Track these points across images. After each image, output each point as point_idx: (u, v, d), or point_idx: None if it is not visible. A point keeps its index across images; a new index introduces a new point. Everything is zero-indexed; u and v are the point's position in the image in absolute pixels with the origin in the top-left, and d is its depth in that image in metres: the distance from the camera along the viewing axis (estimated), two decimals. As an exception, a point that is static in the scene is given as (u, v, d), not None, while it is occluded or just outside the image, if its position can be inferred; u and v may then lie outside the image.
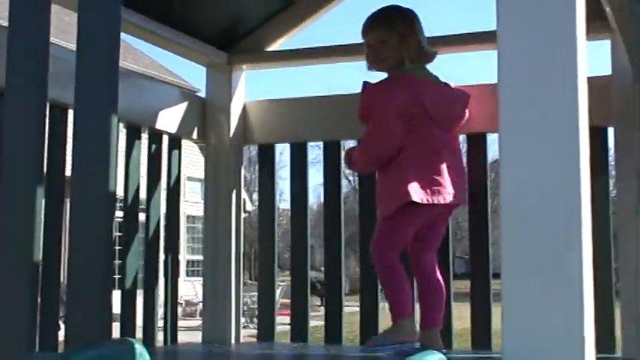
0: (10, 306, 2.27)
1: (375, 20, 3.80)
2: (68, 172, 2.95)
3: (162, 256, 4.27)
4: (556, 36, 1.81)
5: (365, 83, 3.70)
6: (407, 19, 3.77)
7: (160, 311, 4.22)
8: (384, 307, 4.13)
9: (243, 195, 4.55)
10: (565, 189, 1.79)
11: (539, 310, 1.78)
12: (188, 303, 22.26)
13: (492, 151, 4.05)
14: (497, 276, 2.16)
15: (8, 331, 2.27)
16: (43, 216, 2.37)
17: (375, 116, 3.61)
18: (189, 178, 22.35)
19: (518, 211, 1.83)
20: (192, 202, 22.15)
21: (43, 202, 2.41)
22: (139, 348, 1.81)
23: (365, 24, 3.82)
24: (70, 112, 2.75)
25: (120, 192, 3.65)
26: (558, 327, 1.76)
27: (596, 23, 3.17)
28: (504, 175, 1.84)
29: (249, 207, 28.33)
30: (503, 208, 1.84)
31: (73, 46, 2.70)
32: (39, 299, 2.90)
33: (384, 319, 4.17)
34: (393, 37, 3.70)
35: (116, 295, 3.56)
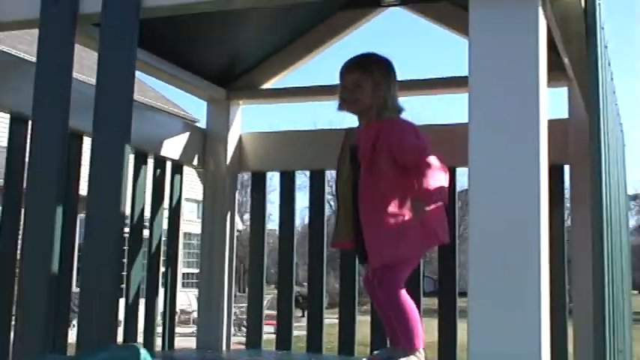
0: (29, 311, 2.27)
1: (354, 64, 3.63)
2: (82, 192, 2.98)
3: (162, 269, 4.26)
4: (520, 84, 1.84)
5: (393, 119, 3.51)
6: (383, 69, 3.62)
7: (158, 319, 4.21)
8: (359, 319, 4.17)
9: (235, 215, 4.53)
10: (527, 217, 1.82)
11: (502, 325, 1.80)
12: (182, 312, 22.10)
13: (460, 182, 4.09)
14: (463, 294, 2.17)
15: (27, 333, 2.27)
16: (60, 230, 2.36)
17: (427, 154, 3.30)
18: (187, 199, 22.28)
19: (485, 236, 1.85)
20: (189, 221, 22.06)
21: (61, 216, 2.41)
22: (144, 352, 1.81)
23: (344, 65, 3.66)
24: (87, 139, 2.77)
25: (127, 211, 3.66)
26: (518, 341, 1.78)
27: (556, 72, 3.20)
28: (473, 204, 1.87)
29: (240, 226, 28.20)
30: (472, 233, 1.86)
31: (85, 78, 2.73)
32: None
33: (361, 330, 4.18)
34: (368, 83, 3.52)
35: (121, 304, 3.58)
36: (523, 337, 1.77)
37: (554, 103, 3.80)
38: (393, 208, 3.35)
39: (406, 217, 3.34)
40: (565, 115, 3.75)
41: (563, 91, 3.76)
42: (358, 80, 3.55)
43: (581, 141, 3.46)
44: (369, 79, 3.53)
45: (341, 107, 3.64)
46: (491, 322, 1.82)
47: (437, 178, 3.21)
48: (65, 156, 2.34)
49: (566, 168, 3.75)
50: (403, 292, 3.37)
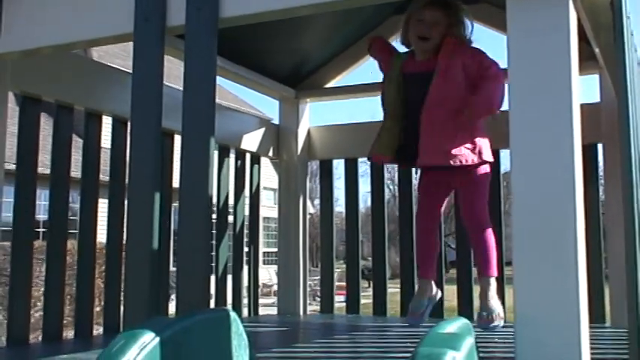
0: (138, 284, 2.33)
1: (436, 1, 3.34)
2: (174, 183, 3.04)
3: (245, 248, 4.32)
4: (554, 74, 1.83)
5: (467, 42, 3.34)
6: (461, 9, 3.36)
7: (244, 291, 4.28)
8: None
9: (307, 200, 4.57)
10: (564, 193, 1.81)
11: (544, 290, 1.80)
12: (264, 285, 22.32)
13: (504, 164, 4.04)
14: (509, 264, 2.14)
15: (134, 304, 2.33)
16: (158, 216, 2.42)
17: (499, 71, 3.13)
18: (264, 188, 22.40)
19: (526, 212, 1.84)
20: (267, 206, 22.19)
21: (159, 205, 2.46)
22: (233, 314, 1.85)
23: (423, 1, 3.35)
24: (177, 138, 2.82)
25: (214, 199, 3.72)
26: (559, 302, 1.77)
27: (588, 62, 3.16)
28: (515, 183, 1.86)
29: (311, 210, 28.31)
30: (515, 209, 1.85)
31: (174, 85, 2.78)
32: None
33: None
34: (444, 24, 3.28)
35: (212, 279, 3.64)
36: (563, 300, 1.76)
37: (587, 89, 3.75)
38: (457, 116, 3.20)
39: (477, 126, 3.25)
40: (597, 99, 3.69)
41: (595, 78, 3.71)
42: (438, 20, 3.30)
43: (612, 122, 3.40)
44: (447, 19, 3.31)
45: (410, 41, 3.42)
46: (534, 288, 1.82)
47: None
48: (160, 152, 2.39)
49: (599, 147, 3.69)
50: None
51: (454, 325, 1.66)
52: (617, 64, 2.05)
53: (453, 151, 3.17)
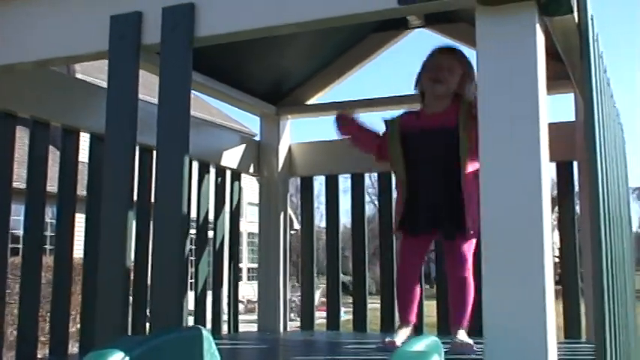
0: (110, 302, 2.32)
1: (451, 49, 3.46)
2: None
3: (226, 264, 4.31)
4: (522, 92, 1.85)
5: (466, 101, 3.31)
6: (470, 64, 3.37)
7: (225, 307, 4.27)
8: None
9: (292, 215, 4.58)
10: (531, 209, 1.82)
11: (512, 304, 1.81)
12: (249, 301, 22.25)
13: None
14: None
15: (107, 320, 2.32)
16: (134, 232, 2.42)
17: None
18: (250, 203, 22.39)
19: (494, 228, 1.86)
20: (252, 222, 22.15)
21: (134, 221, 2.47)
22: (206, 333, 1.85)
23: (441, 48, 3.46)
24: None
25: (194, 214, 3.72)
26: (526, 316, 1.79)
27: (563, 81, 3.18)
28: (484, 199, 1.88)
29: (296, 226, 28.28)
30: (484, 225, 1.87)
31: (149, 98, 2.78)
32: (131, 297, 2.98)
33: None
34: (459, 72, 3.33)
35: (191, 295, 3.64)
36: (530, 314, 1.78)
37: (565, 107, 3.78)
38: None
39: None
40: (573, 117, 3.72)
41: (571, 97, 3.74)
42: (453, 66, 3.35)
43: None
44: (461, 69, 3.34)
45: (423, 85, 3.43)
46: (502, 302, 1.83)
47: None
48: (132, 168, 2.39)
49: (575, 164, 3.72)
50: None
51: (423, 342, 1.67)
52: (585, 86, 2.08)
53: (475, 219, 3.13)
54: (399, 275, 3.56)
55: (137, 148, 2.59)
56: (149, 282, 3.52)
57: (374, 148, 3.60)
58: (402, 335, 3.31)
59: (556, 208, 3.76)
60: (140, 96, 2.45)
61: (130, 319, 2.84)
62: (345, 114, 3.67)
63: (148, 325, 2.99)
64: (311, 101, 4.55)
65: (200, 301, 3.95)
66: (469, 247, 3.30)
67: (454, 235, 3.27)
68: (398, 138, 3.41)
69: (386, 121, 3.53)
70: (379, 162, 3.67)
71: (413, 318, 3.43)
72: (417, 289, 3.48)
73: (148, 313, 3.23)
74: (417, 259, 3.48)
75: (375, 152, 3.61)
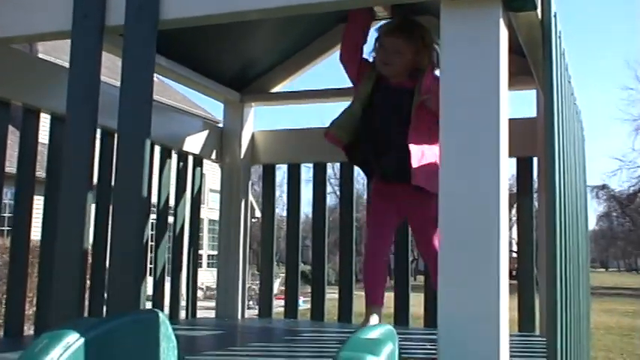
0: (65, 283, 2.30)
1: (399, 28, 3.38)
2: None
3: (185, 250, 4.30)
4: (483, 86, 1.86)
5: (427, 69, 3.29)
6: (425, 33, 3.37)
7: (183, 293, 4.25)
8: (356, 294, 4.19)
9: (254, 203, 4.57)
10: (489, 203, 1.84)
11: (466, 297, 1.83)
12: (208, 288, 22.22)
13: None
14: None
15: (63, 302, 2.30)
16: (93, 215, 2.40)
17: None
18: (212, 190, 22.31)
19: (452, 221, 1.88)
20: (214, 209, 22.08)
21: (93, 204, 2.44)
22: (162, 316, 1.84)
23: (387, 25, 3.42)
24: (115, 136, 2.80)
25: (154, 199, 3.70)
26: (480, 309, 1.81)
27: (526, 76, 3.21)
28: (442, 192, 1.89)
29: (258, 214, 28.24)
30: (441, 218, 1.89)
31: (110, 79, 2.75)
32: (89, 281, 2.96)
33: (358, 304, 4.20)
34: (409, 51, 3.31)
35: (149, 281, 3.62)
36: (484, 307, 1.80)
37: (526, 103, 3.81)
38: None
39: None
40: (534, 114, 3.76)
41: (533, 93, 3.78)
42: (401, 48, 3.34)
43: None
44: (412, 47, 3.33)
45: (381, 68, 3.40)
46: (457, 294, 1.85)
47: None
48: (93, 150, 2.36)
49: (535, 160, 3.76)
50: None
51: (377, 331, 1.68)
52: (545, 82, 2.10)
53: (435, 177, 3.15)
54: (366, 247, 3.47)
55: (98, 131, 2.58)
56: (107, 265, 3.51)
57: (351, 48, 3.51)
58: (374, 321, 3.25)
59: (515, 204, 3.81)
60: (104, 78, 2.43)
61: (86, 303, 2.81)
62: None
63: (105, 308, 2.96)
64: (276, 89, 4.53)
65: (158, 287, 3.93)
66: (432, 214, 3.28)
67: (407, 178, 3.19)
68: (373, 81, 3.40)
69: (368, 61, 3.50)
70: (345, 59, 3.52)
71: (382, 300, 3.37)
72: (383, 266, 3.41)
73: (105, 297, 3.21)
74: (384, 225, 3.43)
75: (349, 52, 3.52)
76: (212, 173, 14.32)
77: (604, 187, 48.63)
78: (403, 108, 3.29)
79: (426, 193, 3.12)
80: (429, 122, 3.12)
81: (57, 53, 15.38)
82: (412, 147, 3.17)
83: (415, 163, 3.15)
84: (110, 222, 2.39)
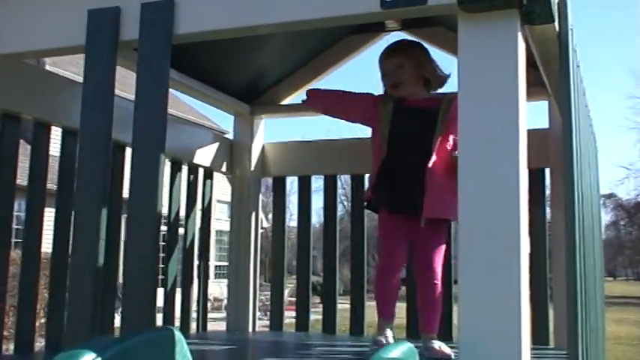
0: (81, 299, 2.29)
1: (391, 50, 3.42)
2: (125, 195, 3.00)
3: (196, 262, 4.28)
4: (502, 98, 1.85)
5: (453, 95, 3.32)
6: (422, 48, 3.43)
7: (194, 305, 4.23)
8: (368, 305, 4.16)
9: (261, 215, 4.55)
10: (509, 215, 1.82)
11: (488, 310, 1.81)
12: (216, 299, 22.22)
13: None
14: (457, 282, 2.17)
15: (80, 318, 2.29)
16: (105, 228, 2.38)
17: None
18: (219, 201, 22.31)
19: (472, 234, 1.86)
20: (220, 220, 22.08)
21: (106, 217, 2.43)
22: (178, 334, 1.82)
23: (383, 52, 3.44)
24: (128, 150, 2.79)
25: (165, 211, 3.68)
26: (502, 323, 1.79)
27: (538, 88, 3.20)
28: (462, 204, 1.87)
29: (265, 224, 28.26)
30: (461, 230, 1.87)
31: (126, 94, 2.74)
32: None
33: (369, 314, 4.17)
34: (410, 64, 3.34)
35: (160, 292, 3.60)
36: (506, 321, 1.78)
37: (537, 114, 3.80)
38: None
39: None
40: (546, 125, 3.75)
41: (544, 104, 3.76)
42: (401, 63, 3.36)
43: (559, 148, 3.45)
44: (411, 59, 3.35)
45: (394, 91, 3.40)
46: (478, 308, 1.83)
47: None
48: (108, 164, 2.36)
49: (547, 171, 3.74)
50: None
51: (399, 349, 1.66)
52: (563, 95, 2.09)
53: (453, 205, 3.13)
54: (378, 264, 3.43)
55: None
56: (120, 280, 3.50)
57: (340, 108, 3.60)
58: (389, 335, 3.25)
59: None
60: (117, 92, 2.42)
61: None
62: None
63: (118, 322, 2.94)
64: (286, 101, 4.52)
65: (169, 299, 3.91)
66: (438, 242, 3.28)
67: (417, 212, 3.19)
68: (391, 108, 3.39)
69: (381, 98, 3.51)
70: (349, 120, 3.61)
71: (393, 314, 3.35)
72: (397, 280, 3.37)
73: (116, 314, 3.19)
74: (397, 242, 3.37)
75: (342, 112, 3.61)
76: (219, 184, 14.33)
77: (611, 195, 48.50)
78: (424, 134, 3.27)
79: (438, 221, 3.20)
80: (448, 153, 3.19)
81: (64, 65, 15.43)
82: (430, 179, 3.16)
83: (432, 195, 3.15)
84: (123, 235, 2.38)
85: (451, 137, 3.25)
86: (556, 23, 2.01)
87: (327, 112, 3.70)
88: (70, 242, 2.38)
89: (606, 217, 51.28)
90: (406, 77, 3.35)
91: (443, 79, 3.43)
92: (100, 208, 2.30)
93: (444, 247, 3.29)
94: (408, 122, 3.35)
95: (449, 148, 3.25)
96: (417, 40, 3.59)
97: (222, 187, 18.65)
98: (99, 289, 2.33)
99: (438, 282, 3.24)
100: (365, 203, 3.59)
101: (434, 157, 3.19)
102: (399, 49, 3.42)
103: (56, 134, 3.25)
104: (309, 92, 3.70)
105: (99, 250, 2.28)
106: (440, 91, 3.47)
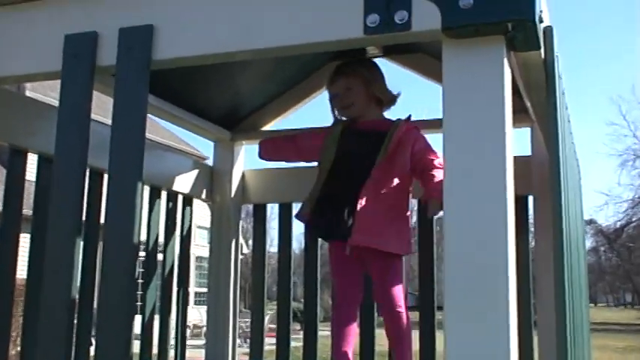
0: (52, 327, 2.22)
1: (336, 73, 3.41)
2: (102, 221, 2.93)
3: (175, 289, 4.21)
4: (488, 125, 1.81)
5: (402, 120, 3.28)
6: (369, 66, 3.42)
7: (172, 333, 4.15)
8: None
9: (241, 240, 4.50)
10: (496, 243, 1.78)
11: (475, 339, 1.76)
12: (195, 326, 22.04)
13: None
14: (440, 308, 2.13)
15: (50, 348, 2.22)
16: (81, 256, 2.32)
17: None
18: (199, 227, 22.20)
19: (458, 262, 1.81)
20: (201, 246, 21.97)
21: (82, 244, 2.36)
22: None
23: (329, 77, 3.44)
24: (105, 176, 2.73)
25: (143, 237, 3.61)
26: (489, 352, 1.74)
27: (520, 115, 3.18)
28: (448, 232, 1.83)
29: (245, 250, 28.23)
30: (447, 259, 1.82)
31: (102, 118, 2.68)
32: (75, 321, 2.86)
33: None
34: (358, 84, 3.30)
35: (138, 319, 3.52)
36: (493, 345, 1.73)
37: (520, 141, 3.79)
38: (404, 204, 3.19)
39: (408, 215, 3.21)
40: (529, 152, 3.73)
41: (527, 131, 3.74)
42: (347, 84, 3.33)
43: (542, 175, 3.43)
44: (356, 78, 3.31)
45: (340, 115, 3.42)
46: (465, 333, 1.78)
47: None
48: (82, 190, 2.29)
49: (530, 198, 3.72)
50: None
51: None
52: (550, 124, 2.06)
53: (388, 236, 3.13)
54: (333, 310, 3.43)
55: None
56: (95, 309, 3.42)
57: (292, 154, 3.68)
58: None
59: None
60: (95, 116, 2.37)
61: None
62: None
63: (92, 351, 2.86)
64: (267, 127, 4.48)
65: (147, 326, 3.83)
66: (393, 272, 3.22)
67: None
68: (339, 132, 3.38)
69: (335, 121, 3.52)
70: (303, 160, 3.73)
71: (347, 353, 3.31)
72: (353, 329, 3.35)
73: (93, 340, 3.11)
74: (349, 281, 3.37)
75: (294, 156, 3.70)
76: (199, 210, 14.24)
77: (591, 221, 48.86)
78: (368, 157, 3.23)
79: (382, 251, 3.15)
80: (391, 182, 3.16)
81: (44, 90, 15.33)
82: (361, 203, 3.12)
83: (360, 222, 3.11)
84: (99, 264, 2.31)
85: (398, 165, 3.20)
86: (542, 50, 1.98)
87: (283, 159, 3.71)
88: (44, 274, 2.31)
89: (587, 242, 51.63)
90: (356, 98, 3.32)
91: (393, 97, 3.39)
92: (74, 236, 2.23)
93: (399, 272, 3.25)
94: (355, 144, 3.32)
95: (393, 175, 3.20)
96: (363, 58, 3.56)
97: (202, 213, 18.59)
98: (72, 320, 2.26)
99: (402, 309, 3.19)
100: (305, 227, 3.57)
101: (370, 181, 3.14)
102: (345, 71, 3.38)
103: (33, 157, 3.18)
104: (260, 144, 3.74)
105: (72, 279, 2.21)
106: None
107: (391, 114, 3.50)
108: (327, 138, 3.41)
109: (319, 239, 4.03)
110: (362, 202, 3.11)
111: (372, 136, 3.27)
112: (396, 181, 3.19)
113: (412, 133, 3.26)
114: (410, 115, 3.35)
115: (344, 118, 3.48)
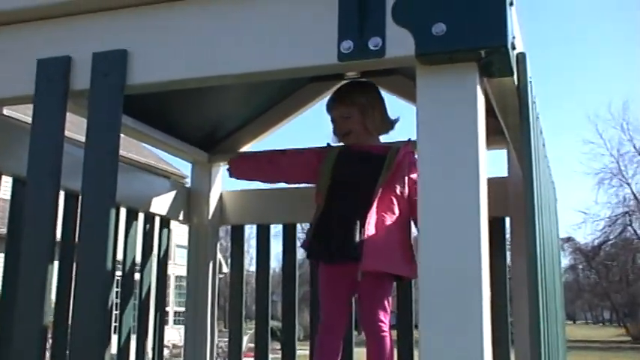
0: (25, 347, 2.18)
1: (336, 99, 3.47)
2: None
3: (152, 311, 4.16)
4: (462, 147, 1.81)
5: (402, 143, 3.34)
6: (367, 92, 3.45)
7: (150, 353, 4.11)
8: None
9: (221, 259, 4.47)
10: (470, 264, 1.77)
11: (449, 354, 1.75)
12: (175, 346, 21.87)
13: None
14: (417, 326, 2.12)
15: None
16: (55, 278, 2.28)
17: None
18: (179, 246, 22.07)
19: (432, 283, 1.80)
20: (181, 265, 21.84)
21: (56, 267, 2.33)
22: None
23: (328, 100, 3.50)
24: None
25: (120, 257, 3.57)
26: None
27: (496, 136, 3.19)
28: (423, 250, 1.82)
29: (225, 269, 28.03)
30: (422, 280, 1.81)
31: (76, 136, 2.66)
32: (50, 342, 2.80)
33: None
34: (355, 113, 3.35)
35: (114, 339, 3.48)
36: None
37: (496, 163, 3.80)
38: (406, 226, 3.20)
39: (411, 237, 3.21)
40: (505, 173, 3.74)
41: (503, 153, 3.75)
42: (346, 113, 3.37)
43: (518, 196, 3.44)
44: (354, 107, 3.35)
45: (337, 140, 3.46)
46: (439, 349, 1.77)
47: None
48: (55, 213, 2.25)
49: (507, 220, 3.72)
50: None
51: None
52: (523, 148, 2.07)
53: (398, 259, 3.14)
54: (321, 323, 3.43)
55: (62, 193, 2.48)
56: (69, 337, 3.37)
57: (274, 173, 3.68)
58: None
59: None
60: (70, 134, 2.35)
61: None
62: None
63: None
64: (245, 148, 4.46)
65: (123, 347, 3.78)
66: (382, 293, 3.22)
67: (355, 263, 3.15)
68: (336, 155, 3.41)
69: (328, 145, 3.55)
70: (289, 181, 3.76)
71: None
72: (338, 344, 3.37)
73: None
74: (339, 297, 3.37)
75: (276, 175, 3.69)
76: (179, 229, 14.16)
77: (569, 239, 49.14)
78: (367, 181, 3.25)
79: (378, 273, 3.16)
80: (392, 204, 3.16)
81: (22, 109, 15.20)
82: (369, 228, 3.12)
83: (369, 246, 3.11)
84: (73, 288, 2.28)
85: (398, 188, 3.21)
86: (515, 76, 1.99)
87: (258, 178, 3.67)
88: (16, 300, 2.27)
89: (565, 260, 51.97)
90: (354, 126, 3.36)
91: (391, 123, 3.44)
92: (47, 259, 2.20)
93: (388, 296, 3.25)
94: (352, 168, 3.35)
95: (394, 199, 3.20)
96: (365, 82, 3.57)
97: (182, 232, 18.49)
98: (45, 344, 2.22)
99: (386, 333, 3.18)
100: (306, 254, 3.55)
101: (374, 205, 3.15)
102: (344, 99, 3.42)
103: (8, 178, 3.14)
104: (230, 162, 3.72)
105: (45, 307, 2.18)
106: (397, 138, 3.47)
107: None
108: (323, 163, 3.42)
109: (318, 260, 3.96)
110: (368, 227, 3.12)
111: (371, 160, 3.32)
112: (397, 203, 3.22)
113: (409, 158, 3.31)
114: (410, 139, 3.39)
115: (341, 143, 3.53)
